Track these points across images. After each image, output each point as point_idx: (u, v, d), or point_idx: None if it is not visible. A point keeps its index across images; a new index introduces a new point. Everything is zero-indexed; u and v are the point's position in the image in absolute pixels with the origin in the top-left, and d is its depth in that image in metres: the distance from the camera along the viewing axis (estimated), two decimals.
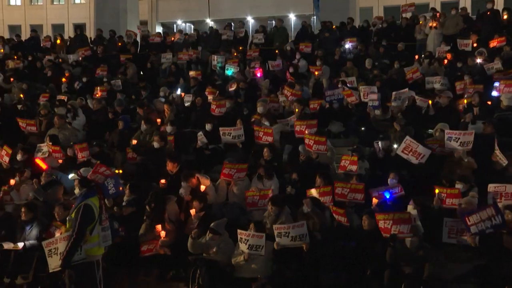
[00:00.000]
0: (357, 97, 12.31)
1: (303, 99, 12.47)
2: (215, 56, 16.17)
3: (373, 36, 17.66)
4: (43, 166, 10.36)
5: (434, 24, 16.33)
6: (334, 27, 18.35)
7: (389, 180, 8.80)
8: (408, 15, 18.51)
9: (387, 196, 8.53)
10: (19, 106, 13.63)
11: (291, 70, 14.97)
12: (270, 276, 7.61)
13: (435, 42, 16.08)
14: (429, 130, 11.03)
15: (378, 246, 7.43)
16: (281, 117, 12.18)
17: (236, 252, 7.82)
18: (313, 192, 8.71)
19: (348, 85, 13.55)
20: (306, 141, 10.10)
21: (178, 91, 14.41)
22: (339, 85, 13.07)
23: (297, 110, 11.71)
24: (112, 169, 8.98)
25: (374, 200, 8.42)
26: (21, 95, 14.60)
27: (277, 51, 16.80)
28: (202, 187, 9.19)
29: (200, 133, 11.16)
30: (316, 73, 14.53)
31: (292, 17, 38.31)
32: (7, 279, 8.34)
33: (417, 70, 13.74)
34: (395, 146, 9.97)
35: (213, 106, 12.25)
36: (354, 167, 9.29)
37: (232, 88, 14.17)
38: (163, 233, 8.28)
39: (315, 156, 9.93)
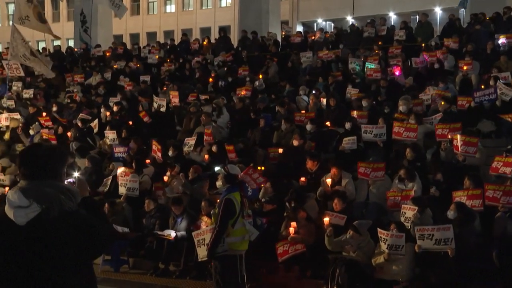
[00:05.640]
0: None
1: (449, 97, 11.80)
2: (352, 59, 15.61)
3: None
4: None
5: None
6: (487, 18, 17.02)
7: None
8: None
9: None
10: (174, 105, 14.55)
11: (436, 66, 14.23)
12: (412, 279, 7.35)
13: None
14: None
15: None
16: (425, 116, 11.59)
17: (376, 252, 7.67)
18: (460, 194, 8.18)
19: (501, 81, 12.53)
20: (454, 142, 9.37)
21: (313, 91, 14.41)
22: (491, 83, 12.09)
23: (442, 103, 11.15)
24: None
25: None
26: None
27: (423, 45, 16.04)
28: (343, 182, 9.16)
29: (354, 139, 10.54)
30: (465, 67, 13.61)
31: (438, 10, 36.38)
32: (162, 265, 9.12)
33: None
34: None
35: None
36: (508, 169, 8.51)
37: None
38: (292, 230, 8.24)
39: (462, 158, 9.32)
